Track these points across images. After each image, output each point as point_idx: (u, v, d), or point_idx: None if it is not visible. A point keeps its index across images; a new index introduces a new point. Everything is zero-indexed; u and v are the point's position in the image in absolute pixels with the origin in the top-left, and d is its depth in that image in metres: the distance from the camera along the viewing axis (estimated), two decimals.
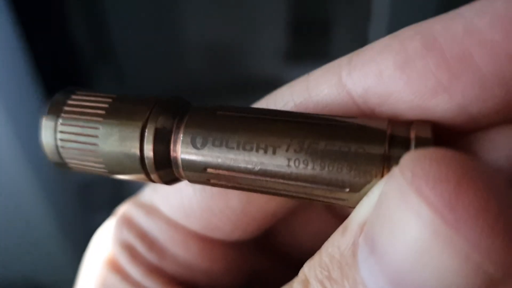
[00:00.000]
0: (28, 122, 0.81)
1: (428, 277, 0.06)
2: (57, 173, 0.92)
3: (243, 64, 1.60)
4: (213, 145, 0.08)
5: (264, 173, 0.08)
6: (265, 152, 0.07)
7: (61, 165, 0.11)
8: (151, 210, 0.13)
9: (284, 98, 0.10)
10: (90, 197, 1.19)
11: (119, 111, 0.09)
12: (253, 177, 0.08)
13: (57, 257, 0.90)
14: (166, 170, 0.09)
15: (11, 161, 0.73)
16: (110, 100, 0.10)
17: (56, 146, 0.10)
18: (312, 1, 1.53)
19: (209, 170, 0.08)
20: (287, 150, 0.07)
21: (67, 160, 0.10)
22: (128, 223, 0.13)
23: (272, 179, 0.08)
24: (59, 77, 1.30)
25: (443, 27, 0.07)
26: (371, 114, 0.08)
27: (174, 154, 0.09)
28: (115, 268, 0.12)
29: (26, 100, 0.79)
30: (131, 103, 0.10)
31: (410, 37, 0.07)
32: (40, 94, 0.83)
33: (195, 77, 1.57)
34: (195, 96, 1.57)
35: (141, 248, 0.12)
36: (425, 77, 0.07)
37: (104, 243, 0.13)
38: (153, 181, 0.09)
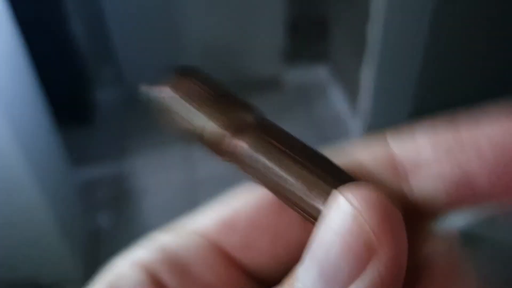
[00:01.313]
0: (29, 123, 0.81)
1: (333, 244, 0.09)
2: (59, 173, 0.93)
3: (243, 64, 1.62)
4: (257, 163, 0.11)
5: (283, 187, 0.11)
6: (286, 182, 0.11)
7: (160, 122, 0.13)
8: (185, 233, 0.13)
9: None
10: (92, 197, 1.16)
11: (213, 107, 0.12)
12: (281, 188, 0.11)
13: (58, 256, 0.91)
14: (226, 155, 0.12)
15: (12, 162, 0.74)
16: (211, 93, 0.13)
17: (160, 110, 0.13)
18: (311, 2, 1.54)
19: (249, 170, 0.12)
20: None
21: (164, 122, 0.13)
22: (158, 248, 0.12)
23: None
24: (59, 77, 1.31)
25: (467, 129, 0.11)
26: (403, 173, 0.11)
27: (234, 150, 0.12)
28: None
29: (26, 102, 0.80)
30: (225, 102, 0.12)
31: (444, 130, 0.11)
32: (40, 94, 0.83)
33: None
34: None
35: (168, 277, 0.12)
36: (448, 155, 0.10)
37: (125, 268, 0.12)
38: (213, 154, 0.12)
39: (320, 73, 1.57)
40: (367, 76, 1.26)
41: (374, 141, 0.11)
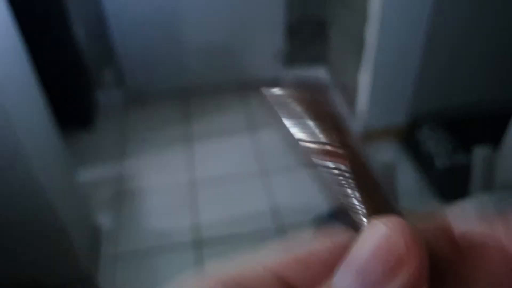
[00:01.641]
0: (32, 126, 0.82)
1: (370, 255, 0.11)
2: (62, 175, 0.94)
3: (242, 65, 1.63)
4: (345, 179, 0.14)
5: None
6: (353, 198, 0.13)
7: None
8: (249, 265, 0.13)
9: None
10: (94, 198, 1.17)
11: (327, 123, 0.14)
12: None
13: (61, 257, 0.92)
14: (323, 165, 0.14)
15: (16, 164, 0.75)
16: (326, 110, 0.15)
17: (276, 113, 0.15)
18: (310, 5, 1.55)
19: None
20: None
21: (277, 124, 0.15)
22: (219, 278, 0.13)
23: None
24: (61, 80, 1.32)
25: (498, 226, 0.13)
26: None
27: (333, 163, 0.14)
28: None
29: (29, 105, 0.81)
30: (335, 121, 0.15)
31: (496, 215, 0.13)
32: (43, 97, 0.84)
33: (195, 78, 1.60)
34: (194, 96, 1.59)
35: None
36: (495, 234, 0.12)
37: None
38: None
39: (318, 74, 1.59)
40: (365, 78, 1.27)
41: (438, 210, 0.14)
